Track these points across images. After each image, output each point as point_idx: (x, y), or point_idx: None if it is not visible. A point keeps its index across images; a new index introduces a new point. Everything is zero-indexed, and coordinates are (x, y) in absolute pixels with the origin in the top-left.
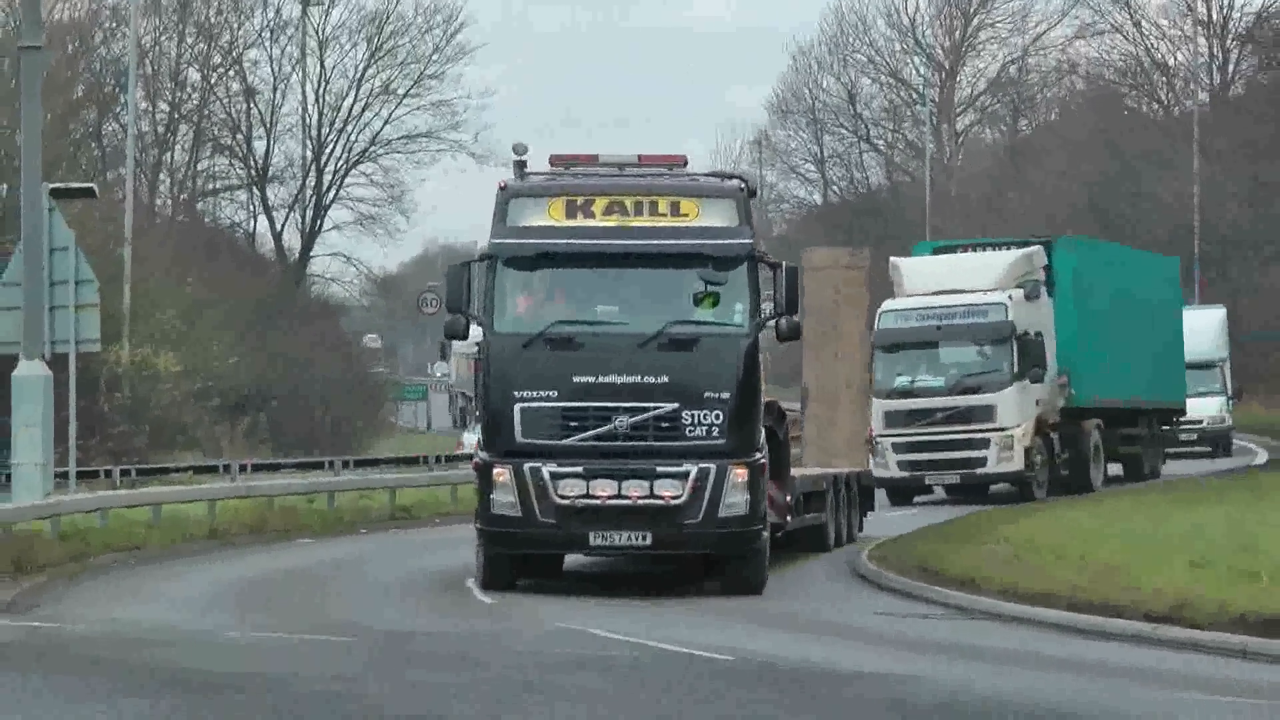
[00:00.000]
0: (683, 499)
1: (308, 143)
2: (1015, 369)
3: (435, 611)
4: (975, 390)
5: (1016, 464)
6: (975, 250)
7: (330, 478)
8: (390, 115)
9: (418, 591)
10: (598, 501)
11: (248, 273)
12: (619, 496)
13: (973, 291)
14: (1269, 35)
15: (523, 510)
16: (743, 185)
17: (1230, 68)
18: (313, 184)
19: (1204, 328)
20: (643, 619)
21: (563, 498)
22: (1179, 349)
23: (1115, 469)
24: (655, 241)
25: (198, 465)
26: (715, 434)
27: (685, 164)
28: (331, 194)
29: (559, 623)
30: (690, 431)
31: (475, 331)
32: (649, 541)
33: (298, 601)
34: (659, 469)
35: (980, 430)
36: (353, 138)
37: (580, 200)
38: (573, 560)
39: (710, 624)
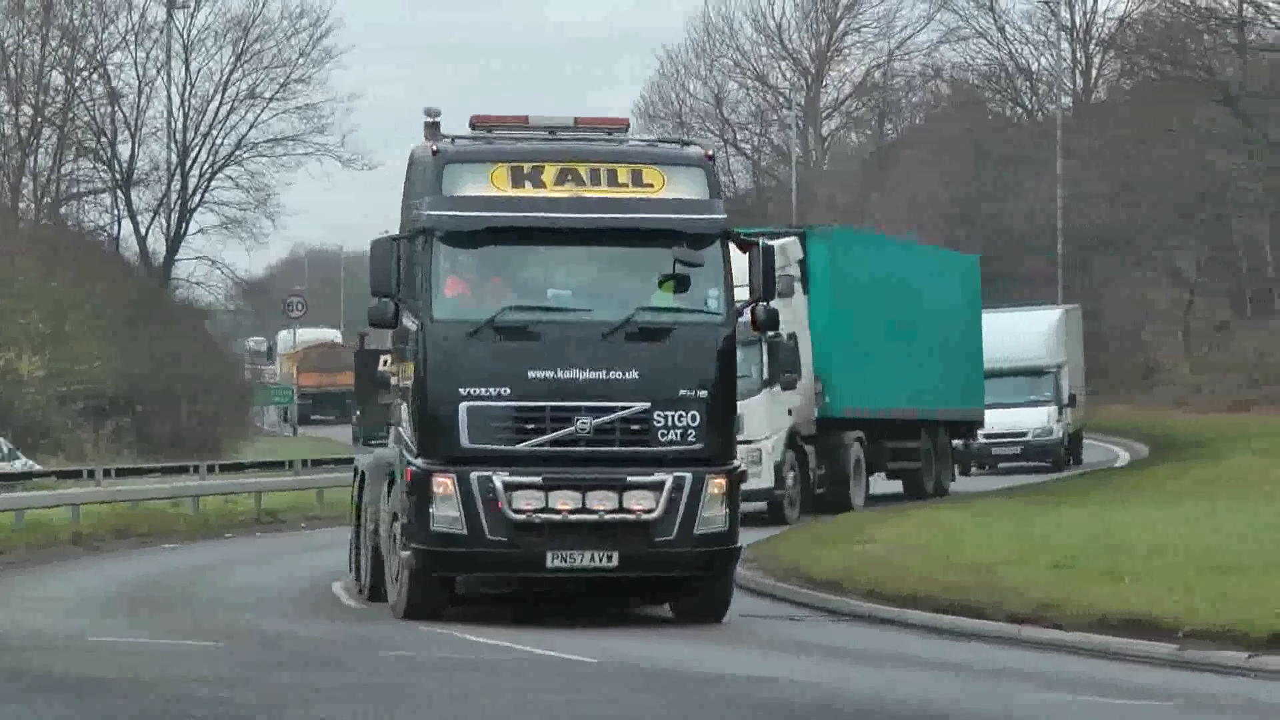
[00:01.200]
0: (656, 513)
1: (173, 146)
2: (764, 374)
3: (304, 615)
4: None
5: (765, 481)
6: None
7: (196, 482)
8: (256, 119)
9: (286, 595)
10: (558, 516)
11: (113, 276)
12: (583, 510)
13: None
14: (1131, 41)
15: (468, 527)
16: (709, 153)
17: (1093, 72)
18: (178, 188)
19: (1035, 330)
20: (510, 624)
21: (517, 512)
22: (976, 354)
23: (896, 485)
24: (619, 215)
25: (61, 470)
26: (691, 438)
27: (627, 129)
28: (197, 198)
29: (427, 626)
30: (663, 435)
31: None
32: (615, 563)
33: (166, 606)
34: (629, 479)
35: None
36: (218, 142)
37: (528, 167)
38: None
39: (579, 629)
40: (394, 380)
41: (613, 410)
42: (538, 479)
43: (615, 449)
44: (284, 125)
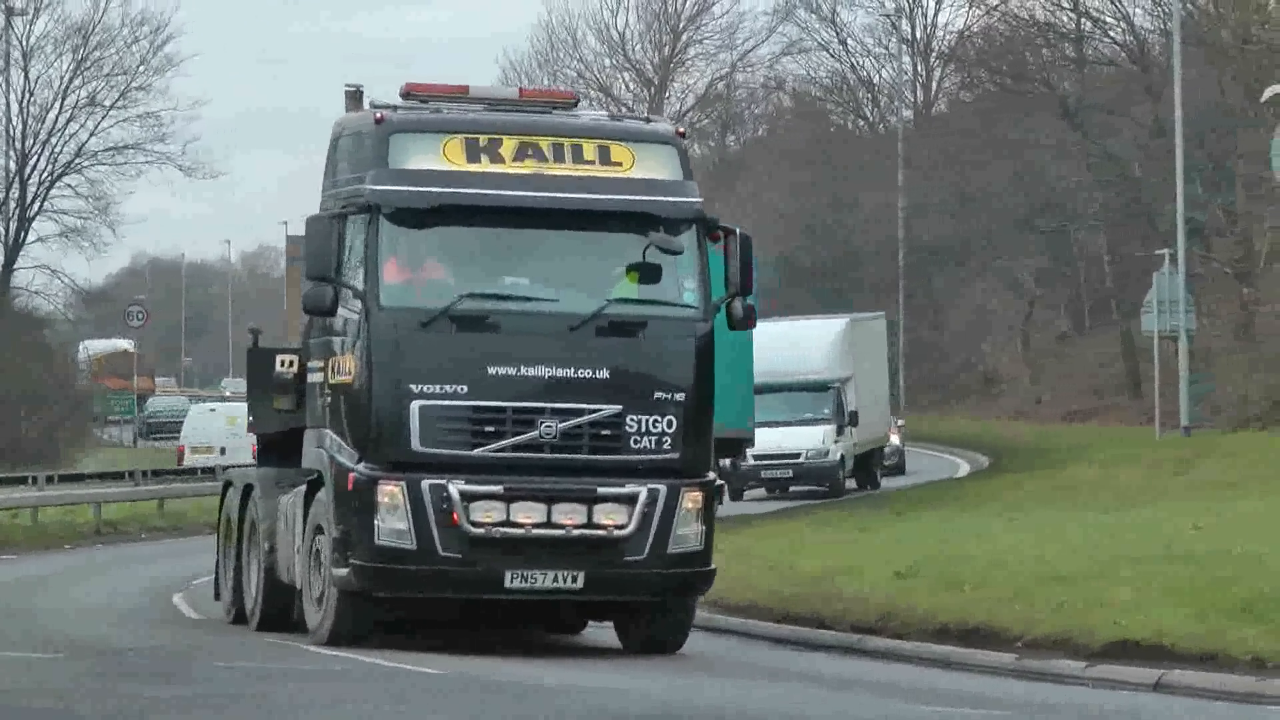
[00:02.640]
0: (628, 529)
1: (11, 154)
2: None
3: (145, 626)
4: None
5: None
6: None
7: (35, 492)
8: (97, 127)
9: (126, 607)
10: (520, 531)
11: None
12: (548, 525)
13: None
14: (970, 54)
15: (418, 541)
16: (680, 130)
17: (934, 85)
18: (16, 196)
19: (817, 342)
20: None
21: (475, 525)
22: (745, 366)
23: None
24: (587, 196)
25: None
26: (666, 446)
27: (576, 104)
28: (36, 206)
29: (270, 637)
30: (635, 442)
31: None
32: (580, 584)
33: (4, 617)
34: (600, 490)
35: None
36: (58, 149)
37: (484, 140)
38: None
39: (421, 639)
40: (318, 377)
41: (581, 413)
42: (498, 488)
43: (583, 456)
44: (124, 133)
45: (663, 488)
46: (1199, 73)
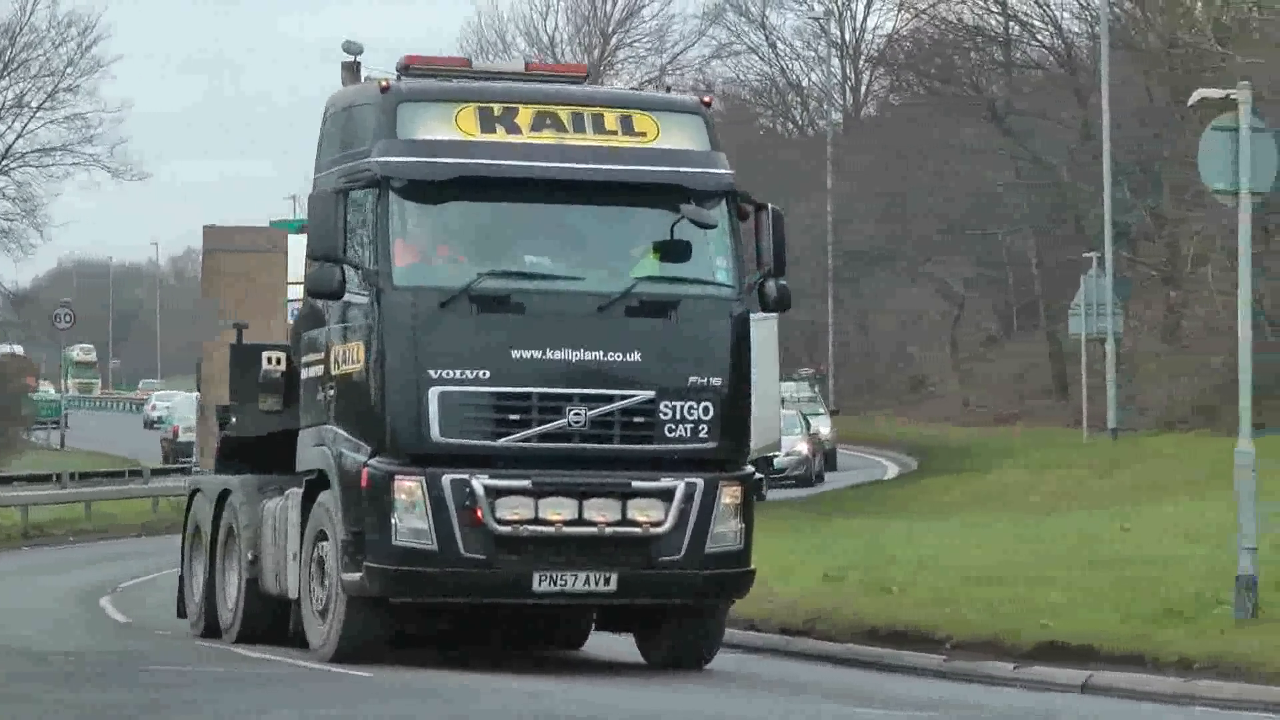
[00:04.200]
0: (665, 527)
1: None
2: None
3: (73, 630)
4: None
5: None
6: None
7: None
8: (24, 129)
9: (54, 610)
10: (549, 529)
11: None
12: (579, 522)
13: None
14: (899, 58)
15: (439, 541)
16: (707, 99)
17: (863, 89)
18: None
19: None
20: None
21: (501, 523)
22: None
23: None
24: (615, 166)
25: None
26: (702, 435)
27: (585, 77)
28: None
29: (201, 642)
30: (669, 431)
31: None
32: (613, 587)
33: None
34: (635, 484)
35: None
36: None
37: (498, 109)
38: None
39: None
40: (317, 371)
41: (612, 400)
42: (526, 483)
43: (615, 447)
44: (52, 135)
45: (700, 481)
46: (1126, 77)
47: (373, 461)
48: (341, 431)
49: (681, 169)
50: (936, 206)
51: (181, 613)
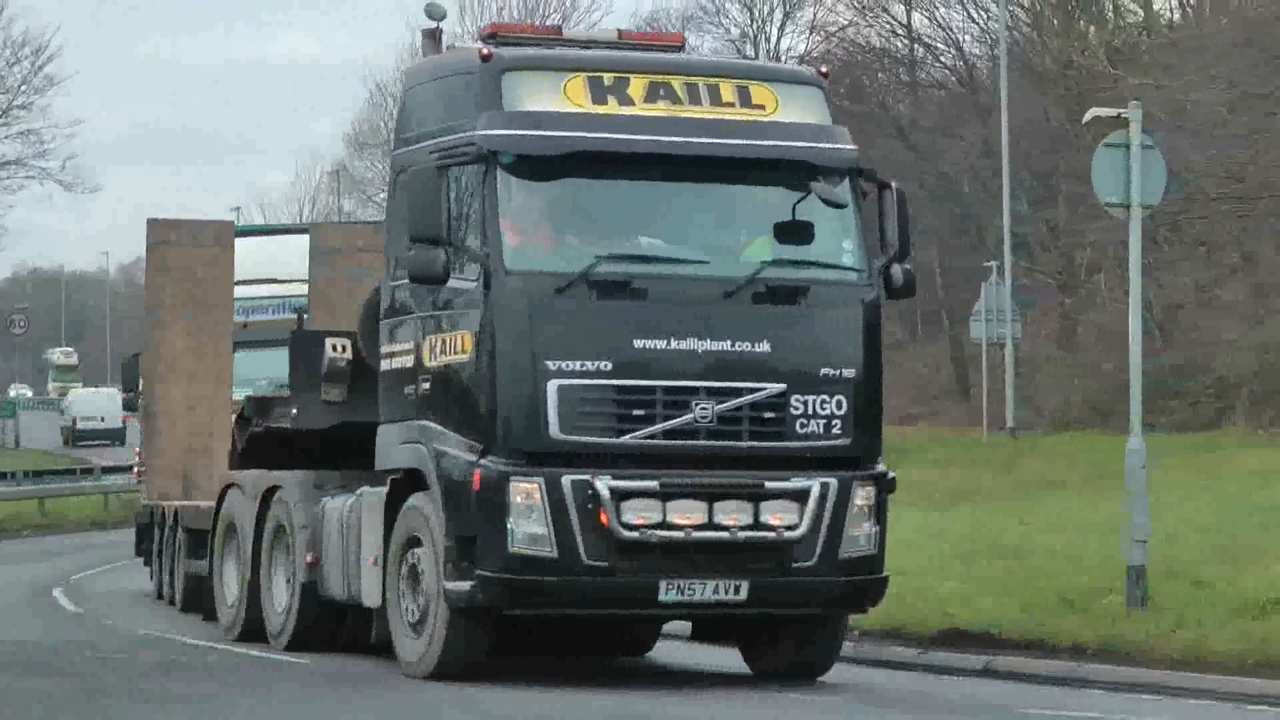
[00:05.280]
0: (800, 530)
1: None
2: None
3: (24, 620)
4: None
5: None
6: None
7: None
8: None
9: (5, 601)
10: (678, 534)
11: None
12: (710, 526)
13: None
14: None
15: (559, 548)
16: (824, 70)
17: None
18: None
19: None
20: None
21: (628, 527)
22: None
23: None
24: (741, 142)
25: None
26: (835, 431)
27: (682, 47)
28: None
29: (144, 630)
30: (801, 426)
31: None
32: (744, 595)
33: None
34: (768, 484)
35: None
36: None
37: (608, 79)
38: None
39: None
40: (404, 362)
41: (740, 393)
42: (654, 484)
43: (744, 444)
44: (6, 149)
45: (834, 481)
46: (1024, 96)
47: (485, 461)
48: (441, 428)
49: (808, 144)
50: None
51: (193, 611)
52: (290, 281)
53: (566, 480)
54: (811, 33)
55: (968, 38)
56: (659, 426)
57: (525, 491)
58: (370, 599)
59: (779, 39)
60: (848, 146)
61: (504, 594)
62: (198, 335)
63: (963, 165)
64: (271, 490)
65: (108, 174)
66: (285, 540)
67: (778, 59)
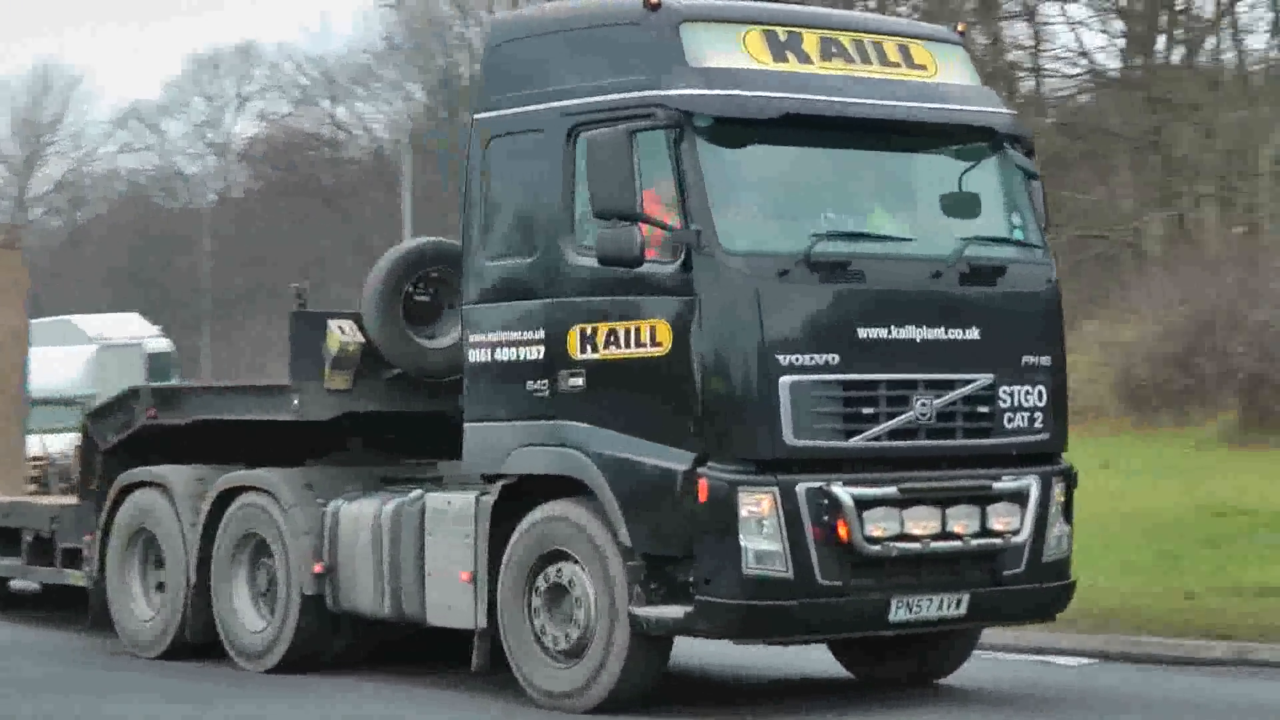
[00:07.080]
0: (1023, 535)
1: None
2: None
3: None
4: None
5: None
6: None
7: None
8: None
9: None
10: (916, 546)
11: None
12: (944, 535)
13: None
14: (258, 153)
15: (795, 566)
16: (962, 28)
17: (230, 177)
18: None
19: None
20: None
21: (870, 541)
22: None
23: None
24: (941, 106)
25: None
26: (1038, 424)
27: None
28: None
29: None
30: (1008, 420)
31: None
32: (963, 610)
33: None
34: (995, 486)
35: None
36: None
37: (783, 33)
38: None
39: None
40: (504, 352)
41: (954, 385)
42: (893, 490)
43: (956, 442)
44: None
45: (1036, 479)
46: (423, 171)
47: (711, 470)
48: (606, 430)
49: (994, 109)
50: (292, 268)
51: (95, 625)
52: None
53: (802, 489)
54: (260, 120)
55: (376, 125)
56: (884, 426)
57: (759, 502)
58: (459, 619)
59: (235, 123)
60: (1013, 113)
61: (735, 622)
62: None
63: (373, 224)
64: (233, 491)
65: None
66: (255, 547)
67: (230, 139)
